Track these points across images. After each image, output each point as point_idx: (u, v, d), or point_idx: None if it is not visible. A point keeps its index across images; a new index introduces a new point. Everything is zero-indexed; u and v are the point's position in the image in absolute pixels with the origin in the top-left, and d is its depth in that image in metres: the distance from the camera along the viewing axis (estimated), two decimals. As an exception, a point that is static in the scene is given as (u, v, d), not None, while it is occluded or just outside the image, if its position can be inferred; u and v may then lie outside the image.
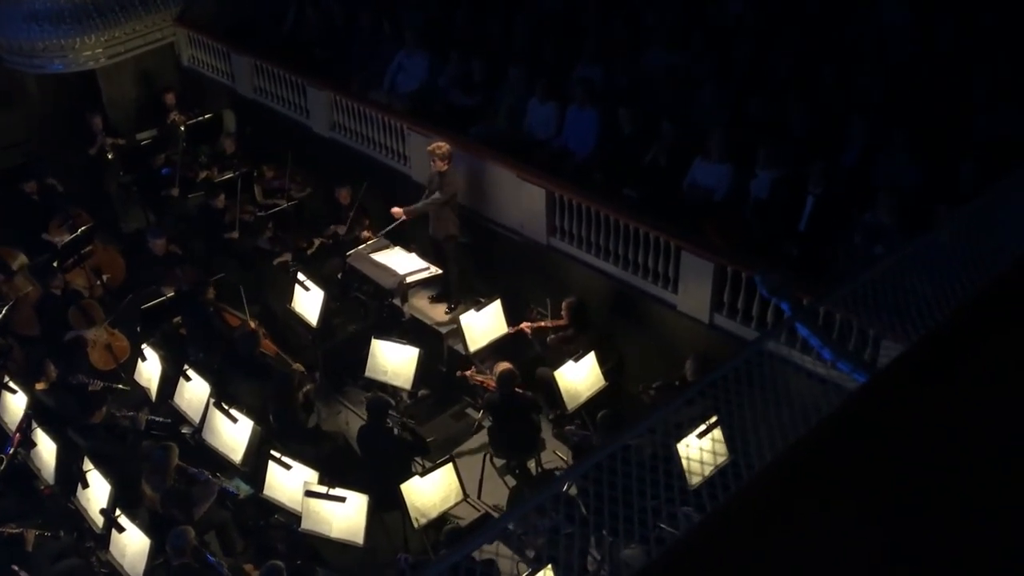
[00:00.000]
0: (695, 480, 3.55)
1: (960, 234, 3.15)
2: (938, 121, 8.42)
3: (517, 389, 8.12)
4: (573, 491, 3.49)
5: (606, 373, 8.43)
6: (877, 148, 8.38)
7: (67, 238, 10.49)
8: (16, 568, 6.75)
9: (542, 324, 9.02)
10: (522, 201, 9.49)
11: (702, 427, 4.95)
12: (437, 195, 9.38)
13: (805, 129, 8.81)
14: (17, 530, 7.22)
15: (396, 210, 9.67)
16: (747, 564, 1.51)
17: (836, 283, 2.91)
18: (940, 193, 7.63)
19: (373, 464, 7.94)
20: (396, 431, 8.18)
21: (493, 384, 8.28)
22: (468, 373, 8.75)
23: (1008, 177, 3.79)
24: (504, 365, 8.14)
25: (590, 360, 8.31)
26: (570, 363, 8.19)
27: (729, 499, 1.64)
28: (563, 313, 8.82)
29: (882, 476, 1.65)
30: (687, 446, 4.59)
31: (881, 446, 1.66)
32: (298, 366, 8.81)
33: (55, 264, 10.28)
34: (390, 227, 9.78)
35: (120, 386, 8.83)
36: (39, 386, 8.54)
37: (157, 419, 8.45)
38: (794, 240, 8.07)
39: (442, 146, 9.35)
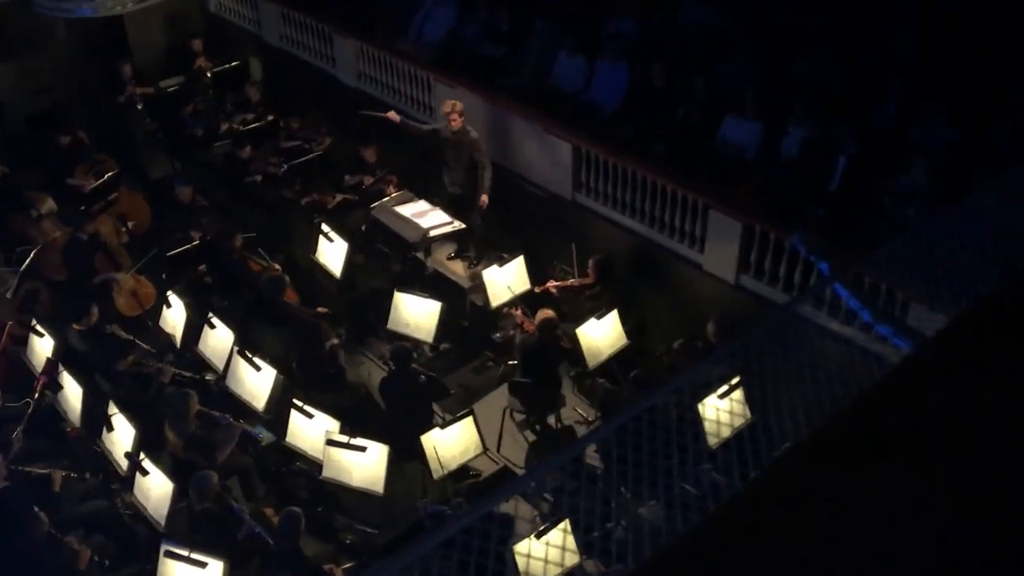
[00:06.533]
0: (714, 441, 3.54)
1: (1001, 200, 3.08)
2: (976, 82, 8.22)
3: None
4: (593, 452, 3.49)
5: (628, 332, 8.40)
6: (914, 109, 8.21)
7: (93, 184, 10.52)
8: (36, 509, 6.82)
9: (569, 283, 8.97)
10: (548, 156, 9.40)
11: (724, 388, 4.91)
12: (487, 173, 9.24)
13: (841, 89, 8.64)
14: (45, 470, 7.31)
15: (392, 114, 9.59)
16: (780, 534, 1.49)
17: (872, 245, 2.85)
18: (976, 155, 7.48)
19: (395, 413, 7.97)
20: (420, 379, 8.20)
21: (534, 328, 8.29)
22: (516, 311, 8.74)
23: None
24: (548, 312, 8.18)
25: (612, 318, 8.28)
26: (592, 320, 8.15)
27: (764, 470, 1.61)
28: (590, 271, 8.76)
29: (924, 449, 1.62)
30: (709, 407, 4.56)
31: (924, 419, 1.63)
32: (322, 309, 8.85)
33: (82, 209, 10.31)
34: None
35: (146, 345, 8.81)
36: (76, 327, 8.59)
37: (183, 372, 8.50)
38: (823, 201, 7.95)
39: (456, 104, 9.12)
